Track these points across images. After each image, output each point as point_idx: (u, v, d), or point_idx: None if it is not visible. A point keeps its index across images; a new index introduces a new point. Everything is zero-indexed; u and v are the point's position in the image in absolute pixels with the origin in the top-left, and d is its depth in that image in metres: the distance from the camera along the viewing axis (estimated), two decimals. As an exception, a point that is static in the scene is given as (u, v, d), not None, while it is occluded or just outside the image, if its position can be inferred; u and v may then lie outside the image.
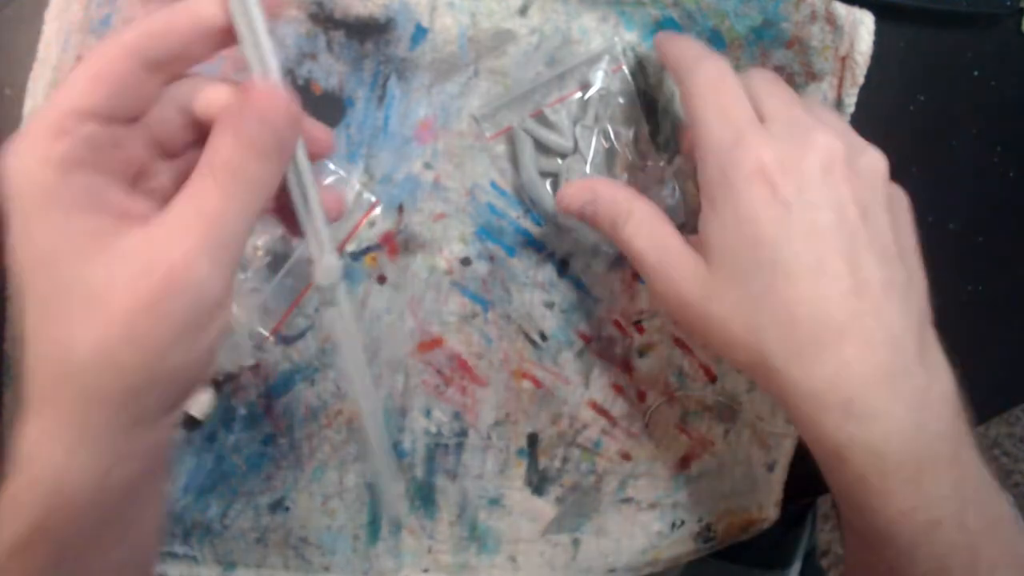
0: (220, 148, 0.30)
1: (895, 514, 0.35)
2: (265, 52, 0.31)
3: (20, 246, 0.28)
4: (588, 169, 0.46)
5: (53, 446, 0.29)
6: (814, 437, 0.36)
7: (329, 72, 0.46)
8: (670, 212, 0.44)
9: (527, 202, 0.48)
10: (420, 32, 0.46)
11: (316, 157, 0.33)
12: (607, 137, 0.48)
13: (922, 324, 0.38)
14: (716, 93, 0.39)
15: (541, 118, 0.47)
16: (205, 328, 0.29)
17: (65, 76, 0.44)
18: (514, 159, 0.47)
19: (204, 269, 0.28)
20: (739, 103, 0.39)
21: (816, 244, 0.36)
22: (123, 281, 0.28)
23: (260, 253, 0.46)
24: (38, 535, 0.29)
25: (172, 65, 0.31)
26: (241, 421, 0.48)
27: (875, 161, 0.39)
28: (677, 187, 0.48)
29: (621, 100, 0.48)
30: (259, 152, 0.30)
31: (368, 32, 0.46)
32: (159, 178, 0.33)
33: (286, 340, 0.48)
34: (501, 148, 0.48)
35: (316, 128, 0.34)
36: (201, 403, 0.46)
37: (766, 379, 0.37)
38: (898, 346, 0.36)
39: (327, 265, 0.34)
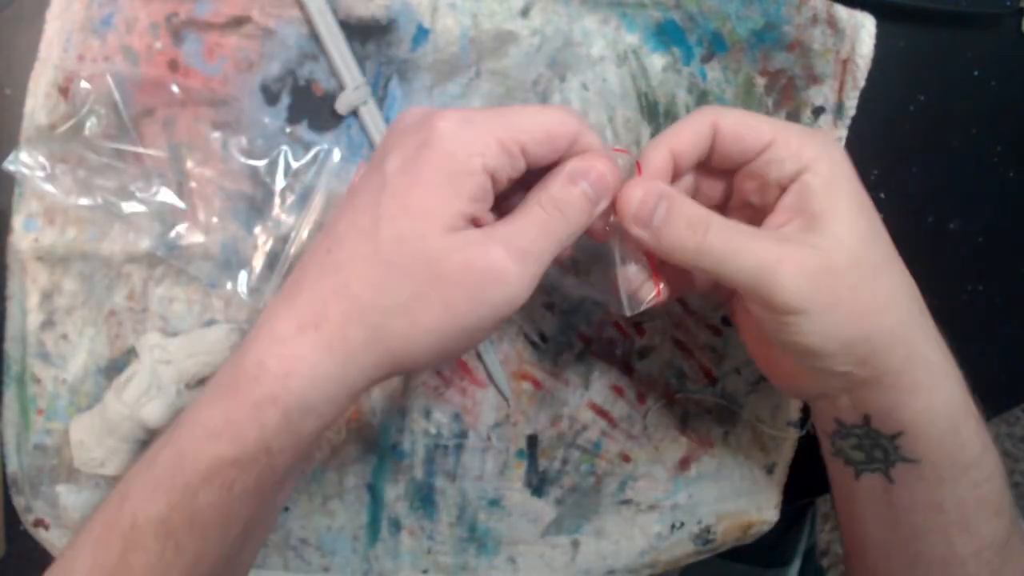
0: (553, 187, 0.37)
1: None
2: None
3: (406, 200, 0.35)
4: None
5: (323, 381, 0.35)
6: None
7: (330, 73, 0.46)
8: None
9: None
10: (422, 33, 0.46)
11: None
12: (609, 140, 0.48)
13: None
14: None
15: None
16: (501, 315, 0.36)
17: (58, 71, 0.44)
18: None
19: (512, 271, 0.35)
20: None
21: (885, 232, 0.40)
22: (458, 273, 0.34)
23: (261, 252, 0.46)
24: (255, 453, 0.34)
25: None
26: (241, 422, 0.48)
27: None
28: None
29: (622, 103, 0.48)
30: (586, 203, 0.37)
31: (370, 33, 0.46)
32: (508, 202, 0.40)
33: (286, 341, 0.48)
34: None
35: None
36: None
37: (883, 346, 0.38)
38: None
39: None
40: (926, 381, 0.38)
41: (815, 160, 0.38)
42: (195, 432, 0.35)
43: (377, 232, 0.35)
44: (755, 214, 0.41)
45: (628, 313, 0.40)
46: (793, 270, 0.36)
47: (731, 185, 0.42)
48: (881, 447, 0.40)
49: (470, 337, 0.36)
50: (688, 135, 0.39)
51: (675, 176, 0.40)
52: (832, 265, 0.37)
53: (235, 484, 0.34)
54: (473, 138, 0.35)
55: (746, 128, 0.39)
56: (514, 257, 0.35)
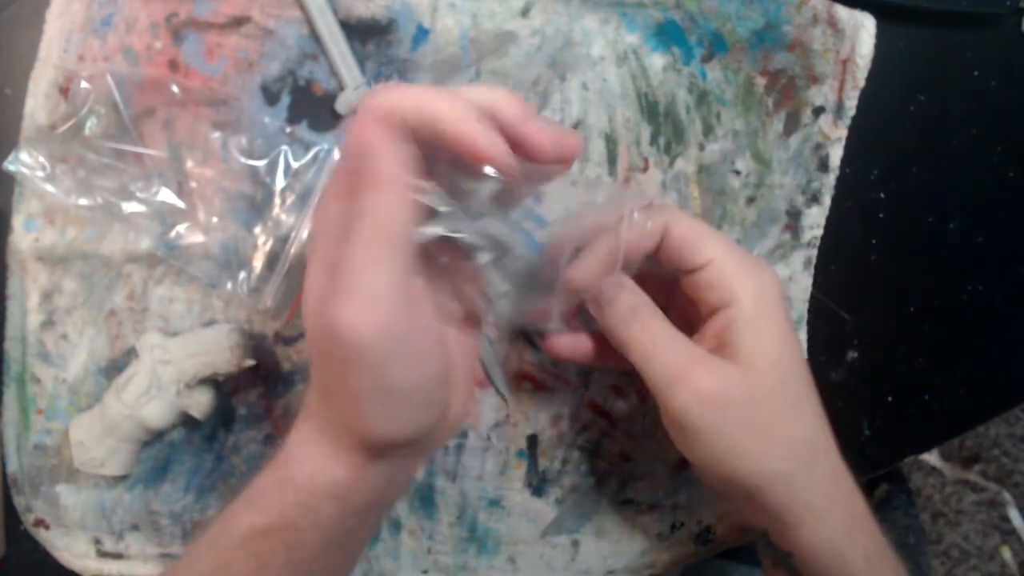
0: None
1: None
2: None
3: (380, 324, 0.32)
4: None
5: (309, 453, 0.36)
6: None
7: (330, 73, 0.46)
8: None
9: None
10: (422, 33, 0.46)
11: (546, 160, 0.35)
12: (608, 139, 0.48)
13: None
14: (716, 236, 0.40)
15: None
16: (385, 378, 0.33)
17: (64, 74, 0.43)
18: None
19: (364, 326, 0.32)
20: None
21: (805, 372, 0.41)
22: (315, 333, 0.34)
23: (260, 253, 0.46)
24: (281, 525, 0.35)
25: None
26: (241, 421, 0.48)
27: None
28: (678, 192, 0.48)
29: (622, 103, 0.48)
30: (354, 184, 0.32)
31: (370, 33, 0.46)
32: None
33: (286, 341, 0.48)
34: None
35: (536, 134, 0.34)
36: (201, 403, 0.46)
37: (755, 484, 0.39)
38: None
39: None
40: (808, 519, 0.39)
41: (741, 295, 0.39)
42: (243, 495, 0.37)
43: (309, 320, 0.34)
44: (690, 325, 0.41)
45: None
46: (690, 391, 0.38)
47: (675, 289, 0.43)
48: (781, 556, 0.41)
49: (391, 409, 0.34)
50: (638, 236, 0.40)
51: (626, 263, 0.40)
52: (731, 398, 0.38)
53: (264, 555, 0.35)
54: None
55: (688, 243, 0.39)
56: (341, 302, 0.32)
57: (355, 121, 0.32)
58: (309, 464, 0.36)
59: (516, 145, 0.33)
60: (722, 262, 0.39)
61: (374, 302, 0.31)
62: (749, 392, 0.38)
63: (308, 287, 0.34)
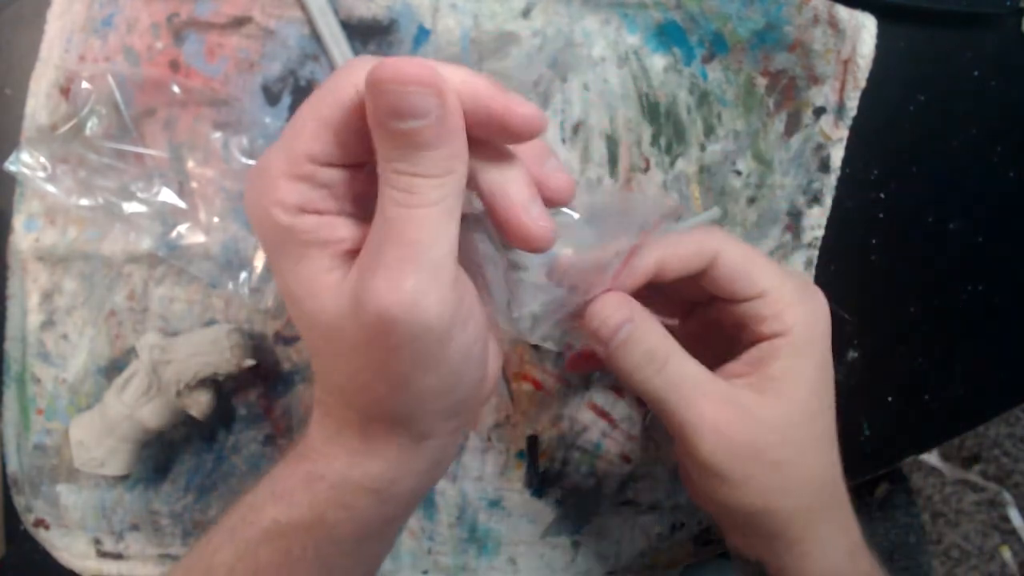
0: (381, 155, 0.28)
1: None
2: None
3: (279, 282, 0.32)
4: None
5: (336, 450, 0.33)
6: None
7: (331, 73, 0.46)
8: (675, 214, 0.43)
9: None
10: (423, 33, 0.46)
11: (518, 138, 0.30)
12: (609, 139, 0.48)
13: None
14: (754, 255, 0.39)
15: None
16: (443, 352, 0.30)
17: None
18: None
19: (429, 300, 0.28)
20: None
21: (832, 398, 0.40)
22: (356, 321, 0.29)
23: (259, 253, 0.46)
24: (312, 521, 0.34)
25: None
26: (241, 421, 0.48)
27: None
28: (679, 192, 0.48)
29: (623, 103, 0.48)
30: (417, 143, 0.27)
31: (371, 33, 0.46)
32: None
33: (286, 341, 0.48)
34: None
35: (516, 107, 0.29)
36: (201, 403, 0.46)
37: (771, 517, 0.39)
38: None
39: None
40: (816, 549, 0.39)
41: (794, 326, 0.38)
42: (265, 488, 0.35)
43: (295, 318, 0.32)
44: (716, 336, 0.41)
45: (514, 331, 0.36)
46: (719, 440, 0.36)
47: (708, 305, 0.42)
48: None
49: (445, 381, 0.31)
50: (685, 256, 0.38)
51: (655, 281, 0.39)
52: (761, 443, 0.37)
53: (292, 549, 0.34)
54: (261, 191, 0.29)
55: (742, 273, 0.38)
56: (395, 279, 0.28)
57: (419, 68, 0.26)
58: (338, 461, 0.33)
59: (488, 123, 0.29)
60: (776, 295, 0.38)
61: (439, 272, 0.28)
62: (781, 432, 0.37)
63: (312, 273, 0.30)
